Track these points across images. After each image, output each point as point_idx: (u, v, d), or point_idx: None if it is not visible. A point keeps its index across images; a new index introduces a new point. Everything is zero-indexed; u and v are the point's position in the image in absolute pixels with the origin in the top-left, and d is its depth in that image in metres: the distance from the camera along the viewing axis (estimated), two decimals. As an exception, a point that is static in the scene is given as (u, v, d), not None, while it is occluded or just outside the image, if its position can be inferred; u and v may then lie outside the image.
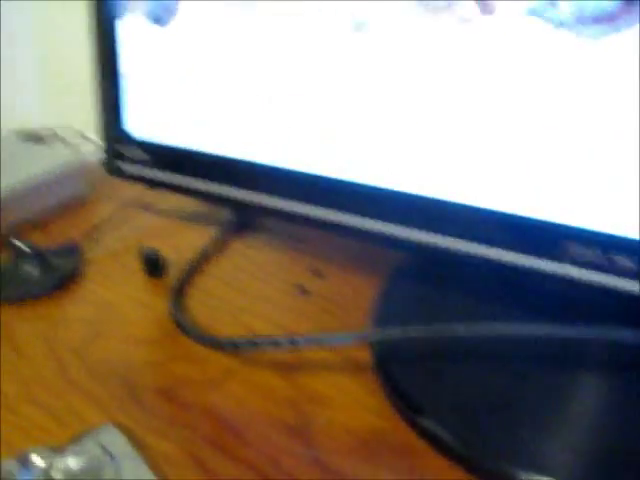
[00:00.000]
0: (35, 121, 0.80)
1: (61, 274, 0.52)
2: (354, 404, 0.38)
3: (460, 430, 0.35)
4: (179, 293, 0.49)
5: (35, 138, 0.74)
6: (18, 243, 0.52)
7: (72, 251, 0.55)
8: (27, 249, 0.52)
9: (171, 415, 0.39)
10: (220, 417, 0.38)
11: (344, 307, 0.47)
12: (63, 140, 0.75)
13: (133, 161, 0.50)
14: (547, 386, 0.37)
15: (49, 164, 0.64)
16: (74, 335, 0.46)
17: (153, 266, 0.53)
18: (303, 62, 0.39)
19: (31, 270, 0.52)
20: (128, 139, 0.50)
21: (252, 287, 0.51)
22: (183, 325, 0.44)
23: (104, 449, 0.35)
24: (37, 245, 0.52)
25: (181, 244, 0.56)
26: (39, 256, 0.52)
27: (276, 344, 0.38)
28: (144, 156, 0.49)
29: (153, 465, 0.35)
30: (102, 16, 0.49)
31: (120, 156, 0.51)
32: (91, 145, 0.72)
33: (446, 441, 0.34)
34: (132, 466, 0.35)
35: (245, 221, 0.59)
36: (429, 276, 0.47)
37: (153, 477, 0.34)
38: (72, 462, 0.35)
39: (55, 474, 0.34)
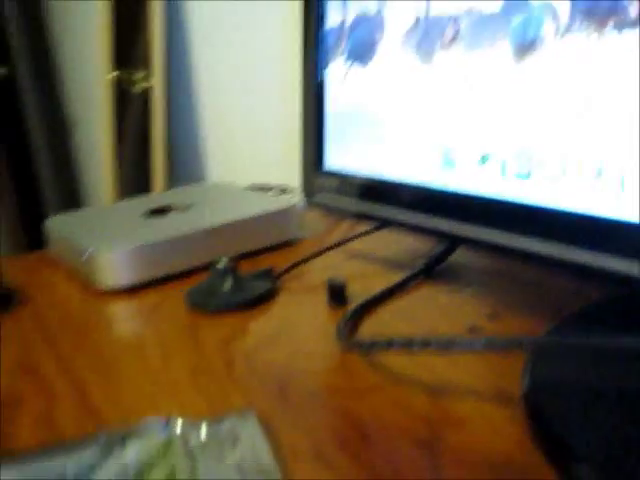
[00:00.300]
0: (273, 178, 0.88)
1: (254, 293, 0.56)
2: (492, 430, 0.36)
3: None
4: (352, 316, 0.50)
5: (265, 189, 0.81)
6: (220, 265, 0.57)
7: (268, 275, 0.59)
8: (225, 267, 0.56)
9: (308, 413, 0.39)
10: (355, 421, 0.38)
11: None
12: (289, 191, 0.81)
13: (328, 190, 0.54)
14: None
15: (268, 207, 0.70)
16: (250, 343, 0.49)
17: (337, 295, 0.54)
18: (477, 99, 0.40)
19: (228, 287, 0.56)
20: (325, 171, 0.53)
21: (425, 323, 0.50)
22: (341, 333, 0.45)
23: (235, 430, 0.37)
24: (236, 267, 0.57)
25: (372, 283, 0.57)
26: (236, 276, 0.56)
27: (410, 344, 0.38)
28: (337, 184, 0.53)
29: (278, 454, 0.35)
30: (312, 67, 0.54)
31: (318, 188, 0.55)
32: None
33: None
34: (255, 450, 0.36)
35: (436, 266, 0.59)
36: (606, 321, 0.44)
37: (273, 463, 0.34)
38: (202, 435, 0.37)
39: (183, 444, 0.36)
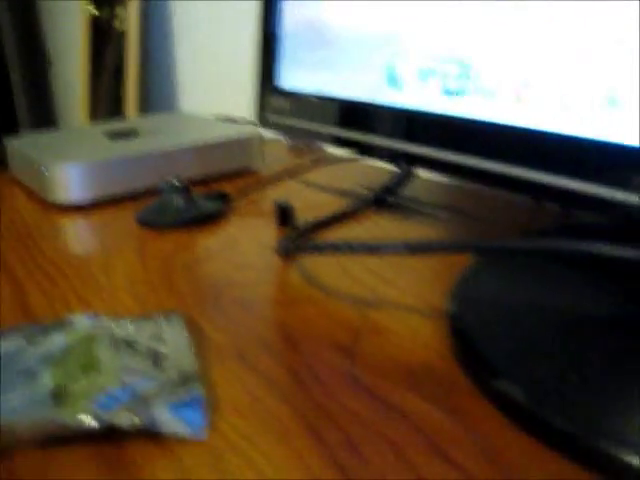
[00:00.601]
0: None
1: (203, 212, 0.56)
2: (414, 341, 0.37)
3: (533, 392, 0.30)
4: (295, 234, 0.50)
5: (230, 121, 0.81)
6: (171, 183, 0.57)
7: (220, 197, 0.59)
8: (179, 184, 0.56)
9: (238, 319, 0.40)
10: (282, 328, 0.39)
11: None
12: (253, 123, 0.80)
13: (280, 112, 0.53)
14: None
15: (227, 134, 0.69)
16: (192, 257, 0.50)
17: (284, 217, 0.55)
18: None
19: (178, 205, 0.56)
20: (276, 91, 0.53)
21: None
22: (280, 246, 0.46)
23: (160, 329, 0.37)
24: (188, 187, 0.57)
25: (324, 211, 0.57)
26: (187, 195, 0.57)
27: (336, 247, 0.38)
28: (286, 105, 0.52)
29: (201, 354, 0.36)
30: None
31: (271, 109, 0.54)
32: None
33: (514, 398, 0.30)
34: (177, 347, 0.36)
35: (387, 198, 0.60)
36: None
37: (193, 361, 0.35)
38: (127, 330, 0.37)
39: (107, 337, 0.36)
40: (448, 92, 0.40)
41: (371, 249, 0.37)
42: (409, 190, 0.63)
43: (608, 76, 0.30)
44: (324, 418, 0.30)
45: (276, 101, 0.54)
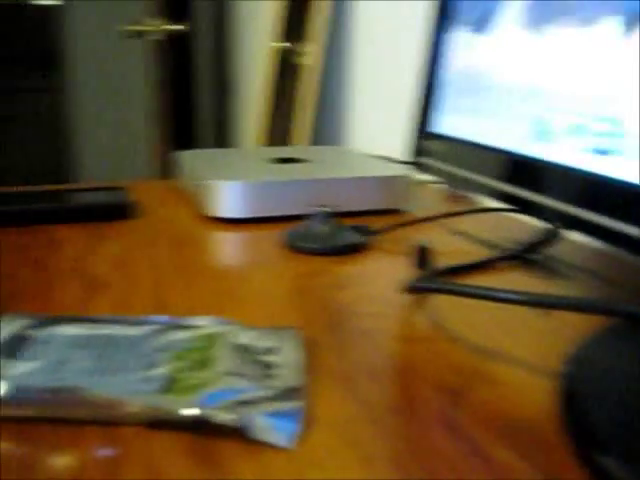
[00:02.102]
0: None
1: (345, 242, 0.58)
2: (522, 395, 0.36)
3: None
4: (429, 275, 0.50)
5: (387, 160, 0.82)
6: (321, 211, 0.59)
7: (363, 230, 0.61)
8: (327, 213, 0.58)
9: (354, 347, 0.41)
10: (395, 361, 0.39)
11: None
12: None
13: (433, 155, 0.54)
14: None
15: (379, 172, 0.71)
16: (325, 282, 0.52)
17: (422, 256, 0.55)
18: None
19: (323, 233, 0.59)
20: (432, 135, 0.54)
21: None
22: (414, 286, 0.46)
23: (278, 341, 0.39)
24: (334, 217, 0.59)
25: (463, 258, 0.57)
26: (333, 225, 0.59)
27: (460, 290, 0.38)
28: (440, 149, 0.53)
29: (310, 371, 0.38)
30: (435, 32, 0.55)
31: (423, 151, 0.56)
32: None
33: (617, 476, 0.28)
34: (289, 361, 0.37)
35: (530, 254, 0.58)
36: None
37: (301, 375, 0.36)
38: (246, 337, 0.39)
39: (226, 341, 0.38)
40: (598, 151, 0.39)
41: (495, 296, 0.37)
42: (552, 249, 0.61)
43: None
44: (412, 453, 0.30)
45: (431, 145, 0.55)
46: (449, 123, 0.54)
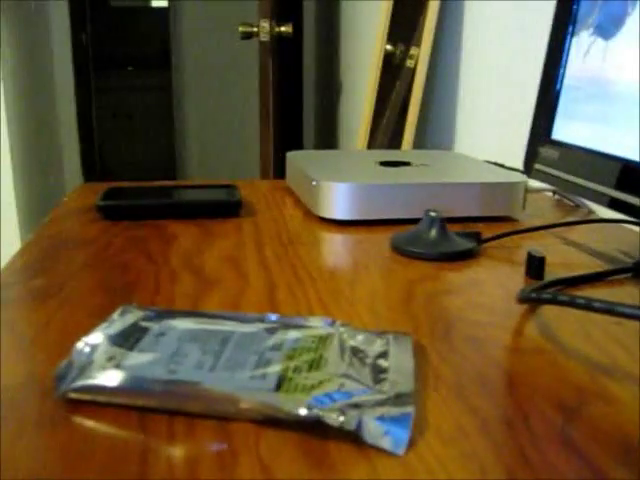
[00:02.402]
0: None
1: (454, 248, 0.57)
2: (637, 412, 0.35)
3: None
4: (541, 286, 0.49)
5: (498, 166, 0.81)
6: (431, 215, 0.59)
7: (474, 237, 0.60)
8: (437, 218, 0.58)
9: (464, 354, 0.41)
10: (507, 372, 0.38)
11: None
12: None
13: (548, 163, 0.53)
14: None
15: (495, 178, 0.70)
16: (434, 288, 0.51)
17: (534, 267, 0.54)
18: None
19: (432, 238, 0.58)
20: (547, 142, 0.53)
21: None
22: (526, 295, 0.45)
23: (388, 345, 0.39)
24: (445, 223, 0.58)
25: (575, 270, 0.56)
26: (442, 230, 0.58)
27: (574, 302, 0.37)
28: (555, 156, 0.52)
29: (419, 378, 0.37)
30: (557, 39, 0.53)
31: (538, 158, 0.54)
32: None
33: None
34: (399, 367, 0.37)
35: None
36: None
37: (411, 382, 0.36)
38: (358, 340, 0.39)
39: (338, 342, 0.38)
40: None
41: (620, 312, 0.35)
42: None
43: None
44: (525, 468, 0.30)
45: (546, 151, 0.54)
46: (567, 130, 0.53)
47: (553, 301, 0.40)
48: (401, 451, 0.30)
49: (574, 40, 0.52)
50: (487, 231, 0.63)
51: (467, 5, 1.25)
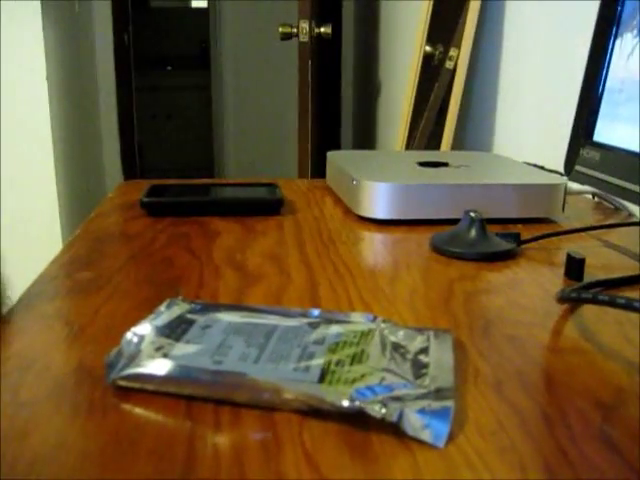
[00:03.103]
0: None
1: (494, 249, 0.58)
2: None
3: None
4: (581, 287, 0.49)
5: (537, 167, 0.81)
6: (471, 215, 0.59)
7: (513, 238, 0.60)
8: (474, 218, 0.58)
9: (503, 352, 0.41)
10: (545, 370, 0.39)
11: None
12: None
13: (587, 164, 0.53)
14: None
15: (534, 180, 0.70)
16: (474, 287, 0.52)
17: (574, 268, 0.54)
18: None
19: (472, 238, 0.58)
20: (588, 143, 0.53)
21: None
22: (566, 296, 0.45)
23: (429, 342, 0.40)
24: (484, 223, 0.59)
25: (614, 272, 0.55)
26: (482, 230, 0.58)
27: (614, 301, 0.37)
28: (596, 157, 0.52)
29: (458, 374, 0.38)
30: (601, 40, 0.53)
31: (578, 160, 0.54)
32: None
33: None
34: (439, 363, 0.38)
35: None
36: None
37: (451, 378, 0.36)
38: (398, 336, 0.40)
39: (380, 337, 0.39)
40: None
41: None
42: None
43: None
44: (563, 463, 0.30)
45: (587, 153, 0.54)
46: (609, 132, 0.53)
47: (593, 300, 0.41)
48: (441, 444, 0.31)
49: (617, 42, 0.52)
50: (526, 232, 0.63)
51: (508, 5, 1.25)
